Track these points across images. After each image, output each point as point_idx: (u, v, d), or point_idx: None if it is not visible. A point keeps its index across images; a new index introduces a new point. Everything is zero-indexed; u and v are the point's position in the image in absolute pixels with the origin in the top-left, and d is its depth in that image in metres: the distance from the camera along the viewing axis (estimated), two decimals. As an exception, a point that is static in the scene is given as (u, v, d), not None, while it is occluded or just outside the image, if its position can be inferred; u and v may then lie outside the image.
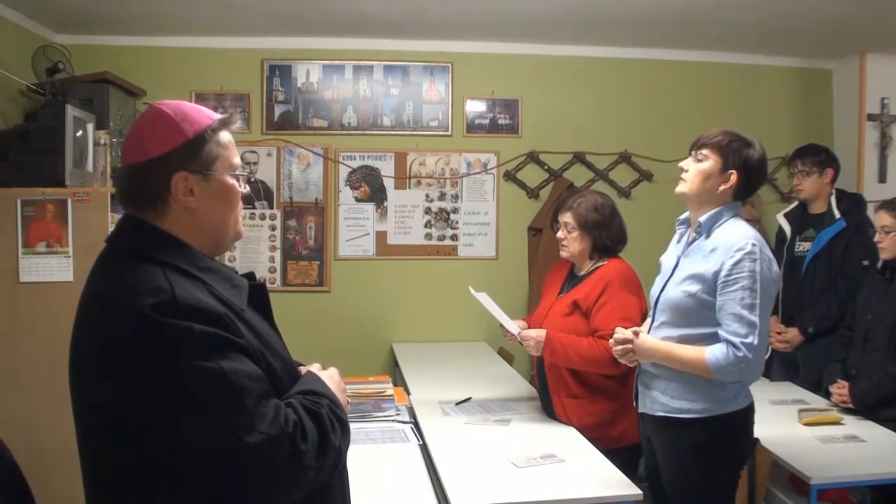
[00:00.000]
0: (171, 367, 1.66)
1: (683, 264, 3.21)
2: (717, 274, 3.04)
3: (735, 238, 3.05)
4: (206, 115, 1.94)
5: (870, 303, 4.37)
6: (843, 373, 4.38)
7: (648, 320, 3.43)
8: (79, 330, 1.81)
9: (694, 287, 3.10)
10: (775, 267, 3.10)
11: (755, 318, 2.97)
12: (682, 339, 3.15)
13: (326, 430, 1.84)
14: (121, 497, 1.76)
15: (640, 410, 3.40)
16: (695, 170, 3.19)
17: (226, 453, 1.68)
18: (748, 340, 2.95)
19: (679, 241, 3.36)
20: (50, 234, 4.19)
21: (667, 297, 3.23)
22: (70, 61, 4.99)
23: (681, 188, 3.23)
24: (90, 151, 4.46)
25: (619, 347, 3.28)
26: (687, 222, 3.34)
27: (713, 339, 3.05)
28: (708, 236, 3.15)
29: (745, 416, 3.19)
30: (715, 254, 3.08)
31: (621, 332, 3.29)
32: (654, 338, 3.25)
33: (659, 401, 3.24)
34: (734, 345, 2.97)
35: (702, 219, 3.17)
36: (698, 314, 3.10)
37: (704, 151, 3.18)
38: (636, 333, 3.26)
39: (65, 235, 4.20)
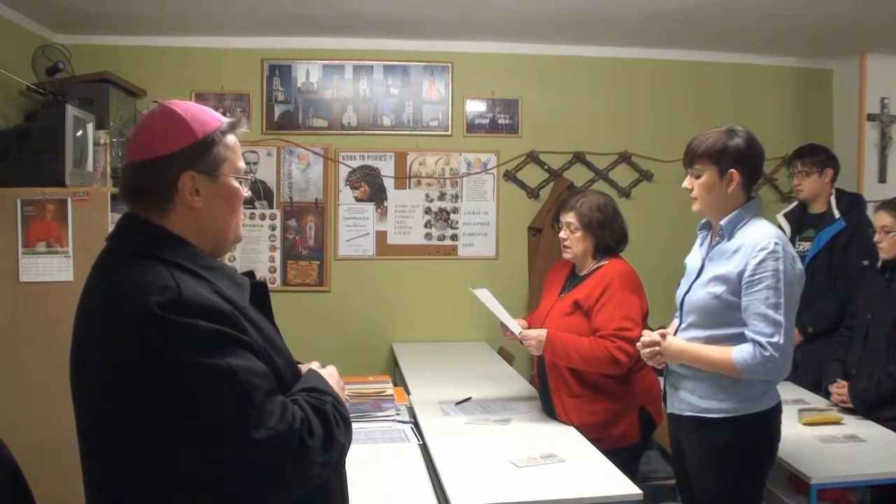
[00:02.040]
0: (179, 365, 1.67)
1: (708, 267, 3.23)
2: (741, 274, 3.06)
3: (757, 238, 3.07)
4: (215, 116, 1.95)
5: (869, 302, 4.37)
6: (842, 372, 4.38)
7: (675, 321, 3.44)
8: (82, 329, 1.81)
9: (719, 288, 3.12)
10: (799, 264, 3.12)
11: (780, 317, 2.99)
12: (710, 340, 3.17)
13: (331, 426, 1.85)
14: (128, 495, 1.76)
15: (669, 411, 3.42)
16: (698, 186, 3.21)
17: (235, 449, 1.69)
18: (774, 340, 2.98)
19: (702, 245, 3.38)
20: (50, 234, 4.19)
21: (693, 298, 3.26)
22: (70, 61, 4.99)
23: (695, 207, 3.28)
24: (90, 151, 4.46)
25: (647, 350, 3.30)
26: (708, 226, 3.36)
27: (740, 339, 3.07)
28: (731, 238, 3.17)
29: (774, 415, 3.21)
30: (738, 254, 3.10)
31: (648, 335, 3.31)
32: (681, 339, 3.27)
33: (687, 401, 3.26)
34: (761, 345, 2.99)
35: (722, 222, 3.19)
36: (724, 315, 3.12)
37: (697, 166, 3.20)
38: (663, 335, 3.27)
39: (65, 235, 4.20)
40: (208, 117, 1.93)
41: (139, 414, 1.68)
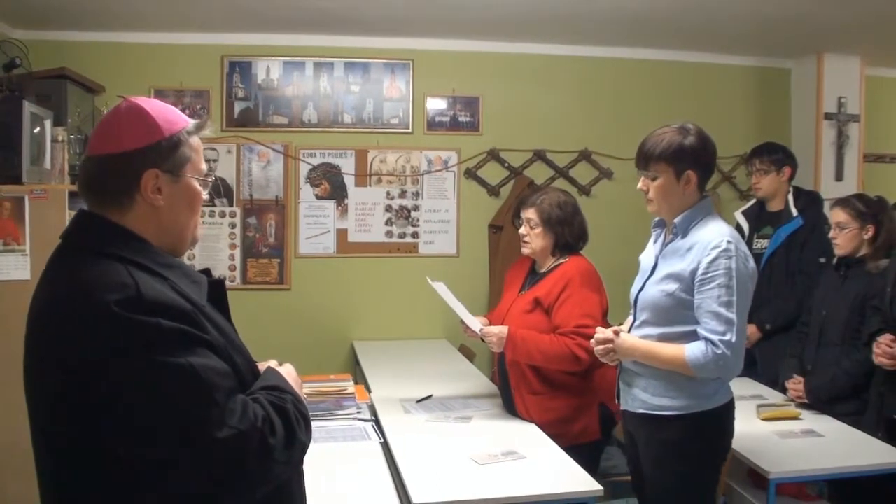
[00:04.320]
0: (139, 364, 1.65)
1: (662, 265, 3.23)
2: (694, 272, 3.07)
3: (711, 236, 3.08)
4: (182, 116, 1.94)
5: (824, 299, 4.41)
6: (799, 368, 4.43)
7: (629, 318, 3.45)
8: (38, 329, 1.78)
9: (672, 286, 3.13)
10: (751, 263, 3.13)
11: (732, 316, 3.00)
12: (663, 338, 3.17)
13: (293, 425, 1.85)
14: (88, 496, 1.74)
15: (622, 408, 3.42)
16: (654, 189, 3.20)
17: (197, 449, 1.67)
18: (726, 338, 2.98)
19: (655, 242, 3.39)
20: (6, 233, 4.13)
21: (646, 296, 3.26)
22: (27, 57, 4.92)
23: (651, 209, 3.27)
24: (48, 148, 4.41)
25: (601, 347, 3.29)
26: (662, 224, 3.35)
27: (693, 336, 3.08)
28: (684, 236, 3.17)
29: (726, 412, 3.22)
30: (691, 252, 3.10)
31: (602, 332, 3.30)
32: (635, 337, 3.27)
33: (640, 398, 3.26)
34: (713, 342, 2.99)
35: (676, 221, 3.19)
36: (677, 313, 3.13)
37: (653, 169, 3.19)
38: (617, 333, 3.27)
39: (22, 233, 4.14)
40: (175, 116, 1.92)
41: (99, 414, 1.66)
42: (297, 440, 1.86)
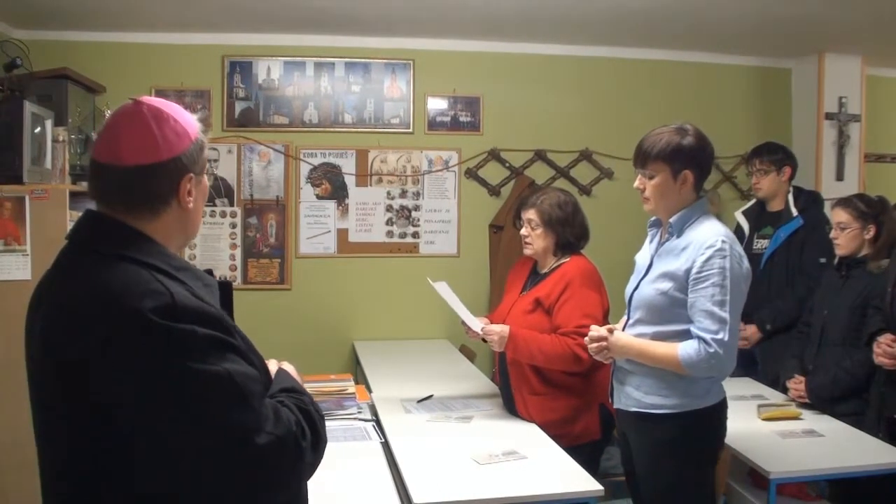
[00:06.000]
0: (176, 373, 1.63)
1: (657, 264, 3.25)
2: (688, 271, 3.08)
3: (706, 236, 3.10)
4: (190, 114, 1.93)
5: (825, 299, 4.41)
6: (800, 368, 4.42)
7: (623, 318, 3.46)
8: (54, 332, 1.70)
9: (666, 285, 3.14)
10: (746, 263, 3.14)
11: (726, 315, 3.01)
12: (656, 336, 3.18)
13: (317, 426, 1.85)
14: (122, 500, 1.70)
15: (615, 406, 3.44)
16: (651, 187, 3.22)
17: (236, 456, 1.67)
18: (719, 336, 3.00)
19: (651, 242, 3.39)
20: (7, 232, 4.13)
21: (640, 295, 3.27)
22: (28, 57, 4.91)
23: (647, 208, 3.29)
24: (48, 148, 4.40)
25: (595, 345, 3.31)
26: (658, 223, 3.37)
27: (687, 335, 3.09)
28: (679, 235, 3.19)
29: (718, 411, 3.23)
30: (686, 252, 3.12)
31: (596, 330, 3.32)
32: (629, 335, 3.28)
33: (633, 396, 3.28)
34: (705, 341, 3.01)
35: (672, 220, 3.20)
36: (671, 311, 3.15)
37: (650, 168, 3.20)
38: (611, 331, 3.29)
39: (22, 233, 4.14)
40: (189, 117, 1.91)
41: (134, 421, 1.64)
42: (321, 441, 1.87)
